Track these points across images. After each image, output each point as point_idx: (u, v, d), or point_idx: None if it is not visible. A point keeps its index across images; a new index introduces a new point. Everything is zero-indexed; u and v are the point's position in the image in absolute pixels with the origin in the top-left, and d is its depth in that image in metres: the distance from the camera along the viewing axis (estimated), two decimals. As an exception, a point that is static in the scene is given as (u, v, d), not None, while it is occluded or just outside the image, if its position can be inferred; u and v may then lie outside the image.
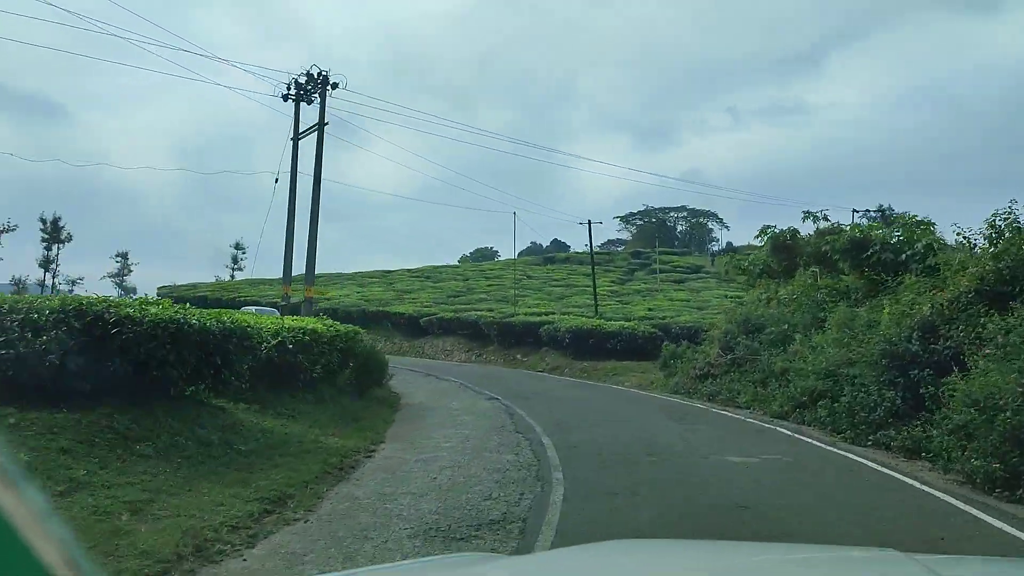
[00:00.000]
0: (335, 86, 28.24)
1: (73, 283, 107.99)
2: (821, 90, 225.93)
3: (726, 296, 56.06)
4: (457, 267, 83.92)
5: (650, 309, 46.84)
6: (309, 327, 13.97)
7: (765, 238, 29.99)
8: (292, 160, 28.96)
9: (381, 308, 47.47)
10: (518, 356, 36.42)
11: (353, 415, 14.83)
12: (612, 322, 35.77)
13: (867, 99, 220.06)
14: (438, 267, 79.04)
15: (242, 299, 59.40)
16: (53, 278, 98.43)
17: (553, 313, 41.50)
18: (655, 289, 63.78)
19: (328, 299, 54.05)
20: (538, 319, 37.39)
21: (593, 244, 50.82)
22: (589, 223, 45.25)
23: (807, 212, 29.26)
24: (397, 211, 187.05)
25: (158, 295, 79.76)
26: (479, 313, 41.43)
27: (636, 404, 20.38)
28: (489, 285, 64.42)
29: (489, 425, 14.89)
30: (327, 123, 28.03)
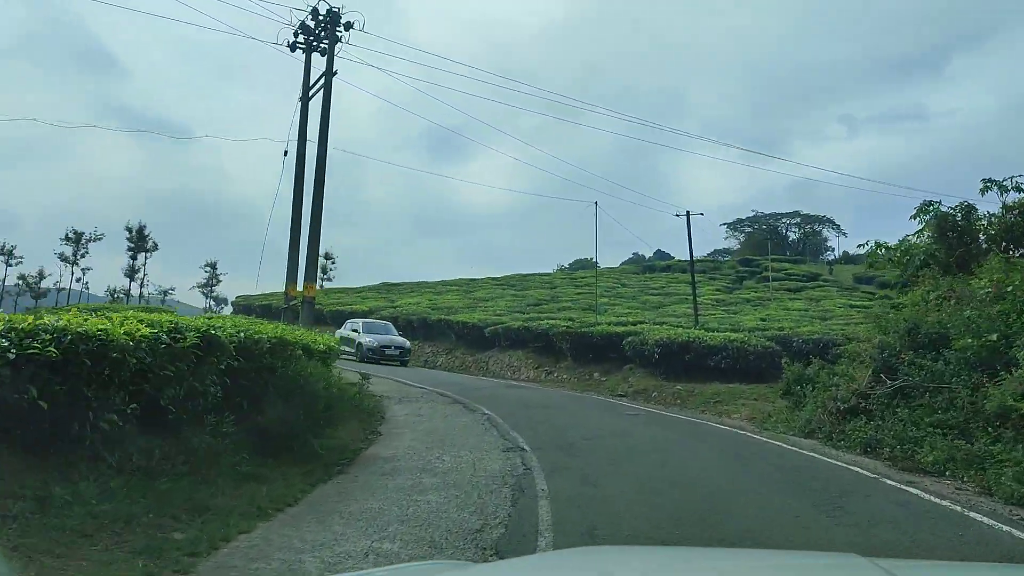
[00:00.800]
0: (349, 26, 21.53)
1: (165, 293, 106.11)
2: (943, 95, 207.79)
3: (850, 305, 46.93)
4: (548, 275, 76.36)
5: (763, 319, 38.28)
6: (81, 329, 6.92)
7: (925, 219, 21.53)
8: (300, 124, 22.46)
9: (445, 317, 40.53)
10: (595, 375, 28.76)
11: (204, 499, 7.71)
12: (715, 333, 27.65)
13: (995, 103, 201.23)
14: (526, 275, 71.70)
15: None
16: (141, 288, 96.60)
17: (642, 323, 33.60)
18: (767, 298, 54.80)
19: (396, 307, 47.68)
20: (622, 329, 29.60)
21: (694, 248, 42.53)
22: (688, 215, 36.96)
23: (988, 181, 20.58)
24: (498, 225, 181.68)
25: (232, 307, 75.76)
26: (552, 321, 33.91)
27: (744, 462, 12.53)
28: (578, 293, 56.77)
29: (452, 525, 7.50)
30: (335, 72, 21.30)
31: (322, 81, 21.67)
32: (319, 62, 22.04)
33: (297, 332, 13.11)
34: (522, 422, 15.49)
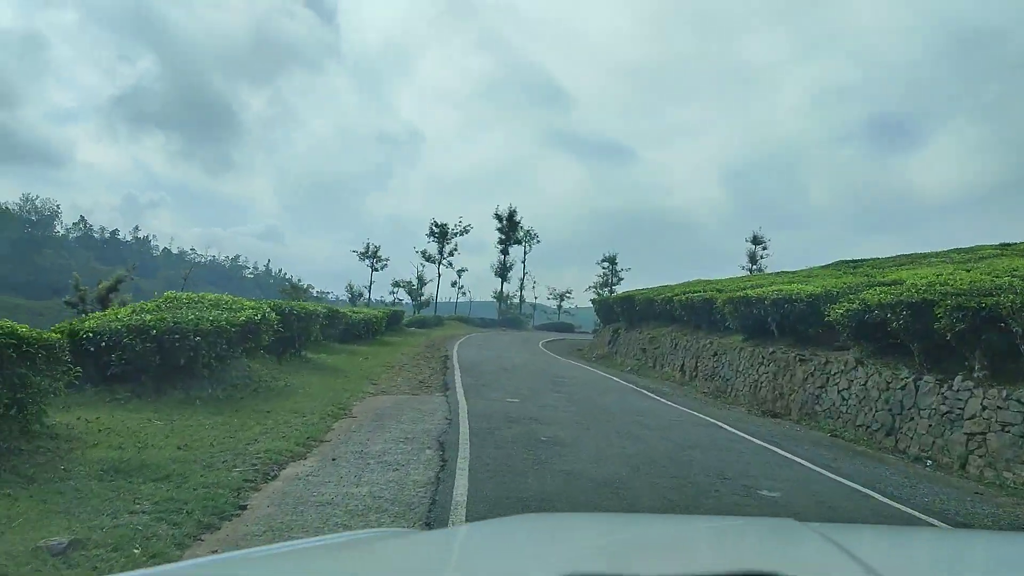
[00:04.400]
0: None
1: (561, 297, 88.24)
2: None
3: None
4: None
5: None
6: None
7: None
8: None
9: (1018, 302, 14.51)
10: None
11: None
12: None
13: None
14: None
15: (679, 297, 31.57)
16: (520, 289, 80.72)
17: None
18: None
19: (879, 289, 22.17)
20: None
21: None
22: None
23: None
24: (954, 209, 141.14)
25: (604, 298, 56.24)
26: None
27: None
28: None
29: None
30: None
31: None
32: None
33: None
34: None
